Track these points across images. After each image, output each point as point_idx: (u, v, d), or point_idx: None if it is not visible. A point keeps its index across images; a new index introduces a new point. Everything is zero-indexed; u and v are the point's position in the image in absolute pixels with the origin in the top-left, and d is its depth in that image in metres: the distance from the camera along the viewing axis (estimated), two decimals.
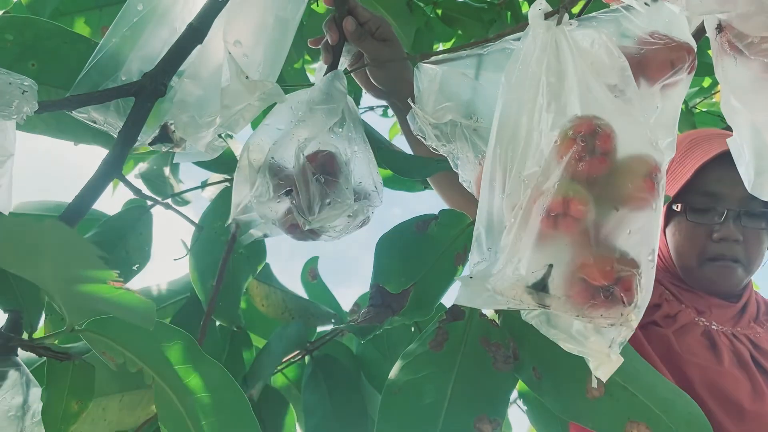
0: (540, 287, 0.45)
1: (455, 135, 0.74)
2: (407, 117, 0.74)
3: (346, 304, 1.53)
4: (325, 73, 0.73)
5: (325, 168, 0.64)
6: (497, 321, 0.71)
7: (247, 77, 0.58)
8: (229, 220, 0.71)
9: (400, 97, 0.92)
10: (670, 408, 0.60)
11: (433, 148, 0.75)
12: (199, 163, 1.17)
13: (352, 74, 0.92)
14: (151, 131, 0.64)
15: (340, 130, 0.67)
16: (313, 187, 0.63)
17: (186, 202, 1.42)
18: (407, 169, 0.83)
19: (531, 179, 0.48)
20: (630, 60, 0.68)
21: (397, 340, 1.23)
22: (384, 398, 0.75)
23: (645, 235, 0.46)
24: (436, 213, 0.80)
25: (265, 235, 0.73)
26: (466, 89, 0.74)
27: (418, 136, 0.75)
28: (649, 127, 0.49)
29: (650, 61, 0.68)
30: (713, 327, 0.99)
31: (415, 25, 1.63)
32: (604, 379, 0.47)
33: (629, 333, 0.46)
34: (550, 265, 0.45)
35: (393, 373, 0.79)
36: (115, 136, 0.58)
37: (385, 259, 0.79)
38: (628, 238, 0.45)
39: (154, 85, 0.59)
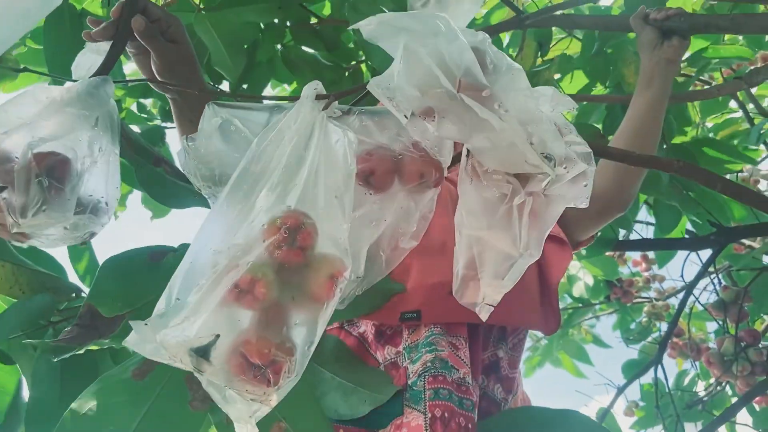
0: (201, 353, 0.47)
1: (222, 181, 0.75)
2: (177, 152, 0.74)
3: None
4: (95, 74, 0.69)
5: (52, 172, 0.61)
6: None
7: None
8: None
9: (183, 96, 0.91)
10: None
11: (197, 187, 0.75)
12: None
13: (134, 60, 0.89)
14: None
15: (88, 137, 0.64)
16: (33, 189, 0.60)
17: None
18: (161, 195, 0.82)
19: (235, 248, 0.50)
20: (390, 160, 0.73)
21: None
22: (67, 417, 0.71)
23: (309, 329, 0.49)
24: (176, 246, 0.80)
25: None
26: (241, 142, 0.74)
27: (185, 172, 0.74)
28: (345, 235, 0.53)
29: (405, 168, 0.73)
30: None
31: (244, 58, 1.64)
32: None
33: (268, 410, 0.48)
34: (218, 336, 0.47)
35: (87, 391, 0.76)
36: None
37: (107, 281, 0.76)
38: (294, 327, 0.49)
39: None
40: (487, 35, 0.66)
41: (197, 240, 0.55)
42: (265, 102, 0.84)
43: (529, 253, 0.61)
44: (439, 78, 0.53)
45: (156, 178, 0.86)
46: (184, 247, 0.81)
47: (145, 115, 2.21)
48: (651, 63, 1.23)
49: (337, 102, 0.70)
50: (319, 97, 0.68)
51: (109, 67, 0.72)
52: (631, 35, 1.79)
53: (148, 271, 0.77)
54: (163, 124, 2.15)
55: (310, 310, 0.50)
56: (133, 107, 2.20)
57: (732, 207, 2.37)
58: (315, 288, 0.50)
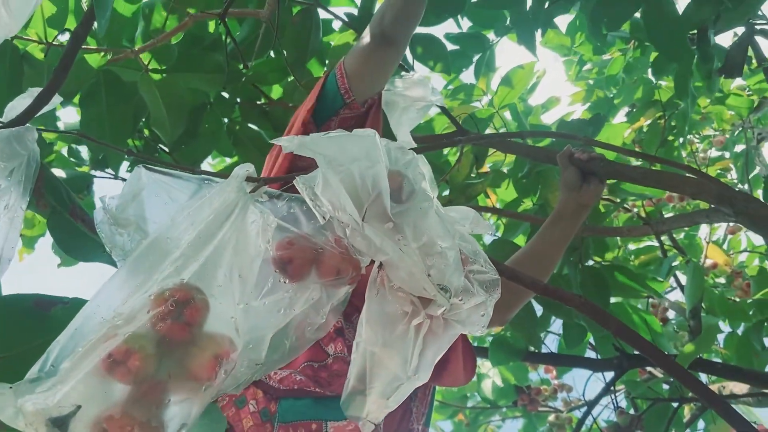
0: (59, 423, 0.44)
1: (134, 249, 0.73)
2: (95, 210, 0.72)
3: None
4: (16, 120, 0.68)
5: None
6: None
7: None
8: None
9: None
10: None
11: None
12: None
13: None
14: None
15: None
16: None
17: None
18: (68, 246, 0.80)
19: (118, 317, 0.48)
20: (310, 252, 0.74)
21: None
22: None
23: (183, 410, 0.47)
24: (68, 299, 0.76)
25: None
26: (162, 212, 0.73)
27: (99, 232, 0.72)
28: (240, 316, 0.53)
29: (324, 261, 0.74)
30: None
31: (183, 124, 1.64)
32: None
33: None
34: (79, 406, 0.44)
35: None
36: None
37: None
38: (166, 406, 0.47)
39: None
40: (414, 157, 0.69)
41: (89, 306, 0.54)
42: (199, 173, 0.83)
43: (417, 377, 0.63)
44: (345, 206, 0.55)
45: (67, 228, 0.84)
46: (77, 302, 0.77)
47: (75, 160, 2.15)
48: (567, 202, 1.32)
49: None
50: (249, 179, 0.69)
51: (31, 114, 0.70)
52: None
53: (31, 319, 0.73)
54: (93, 172, 2.10)
55: (187, 389, 0.48)
56: (65, 151, 2.14)
57: (638, 331, 2.47)
58: (196, 367, 0.49)
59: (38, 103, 0.73)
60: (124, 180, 1.99)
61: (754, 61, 2.17)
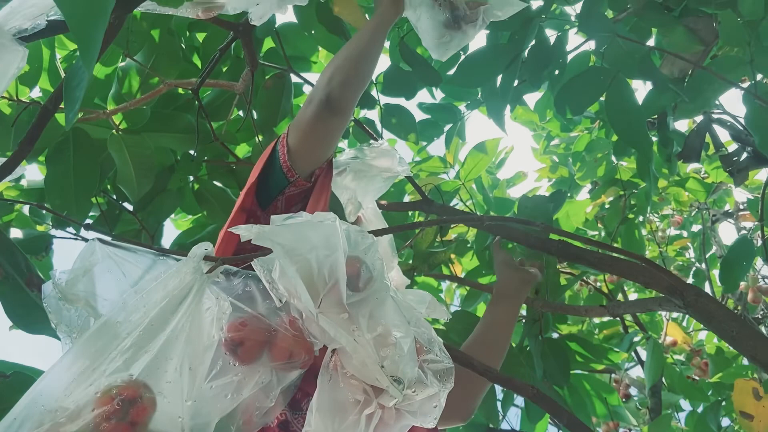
0: None
1: (82, 327, 0.71)
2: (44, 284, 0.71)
3: None
4: None
5: None
6: None
7: None
8: None
9: None
10: None
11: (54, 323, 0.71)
12: None
13: None
14: None
15: None
16: None
17: None
18: (19, 316, 0.79)
19: (62, 412, 0.47)
20: (262, 333, 0.73)
21: None
22: None
23: None
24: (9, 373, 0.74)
25: None
26: (114, 289, 0.72)
27: (46, 307, 0.70)
28: (188, 414, 0.51)
29: (276, 344, 0.73)
30: None
31: (151, 183, 1.63)
32: None
33: None
34: None
35: None
36: None
37: None
38: None
39: None
40: (374, 241, 0.70)
41: (32, 391, 0.52)
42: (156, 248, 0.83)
43: None
44: (301, 296, 0.56)
45: (18, 297, 0.82)
46: (18, 377, 0.75)
47: (37, 218, 2.11)
48: (507, 281, 1.33)
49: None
50: (207, 258, 0.69)
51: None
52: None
53: None
54: (54, 231, 2.06)
55: None
56: (26, 208, 2.11)
57: (595, 405, 2.47)
58: None
59: (2, 172, 0.73)
60: (85, 240, 1.95)
61: (711, 147, 2.26)
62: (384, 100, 2.08)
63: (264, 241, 0.59)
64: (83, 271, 0.67)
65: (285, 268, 0.57)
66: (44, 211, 1.73)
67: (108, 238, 0.69)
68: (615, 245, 2.93)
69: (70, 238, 1.82)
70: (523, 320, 2.07)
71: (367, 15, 1.69)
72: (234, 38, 1.54)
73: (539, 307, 1.66)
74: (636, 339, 2.78)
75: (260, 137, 2.01)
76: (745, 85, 1.64)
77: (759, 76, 1.63)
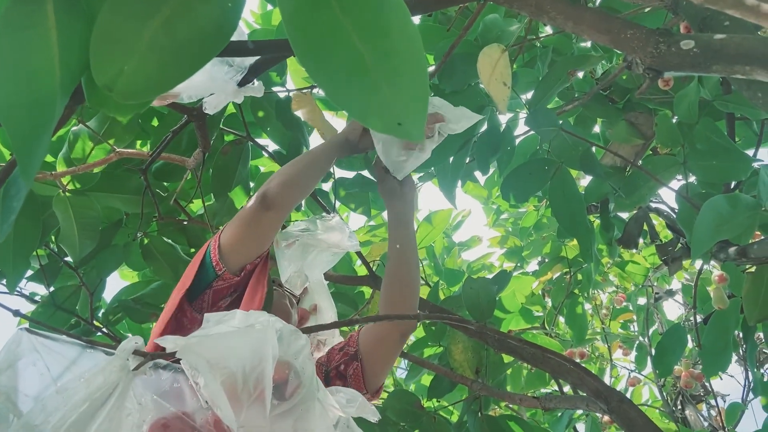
0: None
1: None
2: None
3: None
4: None
5: None
6: None
7: None
8: None
9: None
10: None
11: None
12: None
13: None
14: None
15: None
16: None
17: None
18: None
19: None
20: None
21: None
22: None
23: None
24: None
25: None
26: (36, 385, 0.71)
27: None
28: None
29: None
30: None
31: (94, 243, 1.61)
32: None
33: None
34: None
35: None
36: None
37: None
38: None
39: None
40: (306, 343, 0.71)
41: None
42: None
43: None
44: (223, 410, 0.57)
45: None
46: None
47: None
48: (397, 206, 1.34)
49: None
50: (136, 352, 0.69)
51: None
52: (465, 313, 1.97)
53: None
54: None
55: None
56: None
57: None
58: None
59: None
60: (23, 296, 1.90)
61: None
62: (339, 173, 2.12)
63: (189, 356, 0.60)
64: (7, 365, 0.66)
65: (208, 382, 0.58)
66: None
67: (36, 330, 0.69)
68: (560, 317, 3.01)
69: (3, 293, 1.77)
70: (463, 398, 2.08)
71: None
72: (188, 122, 1.57)
73: (477, 390, 1.68)
74: (571, 417, 2.82)
75: (213, 200, 2.01)
76: (680, 183, 1.74)
77: (691, 177, 1.73)
